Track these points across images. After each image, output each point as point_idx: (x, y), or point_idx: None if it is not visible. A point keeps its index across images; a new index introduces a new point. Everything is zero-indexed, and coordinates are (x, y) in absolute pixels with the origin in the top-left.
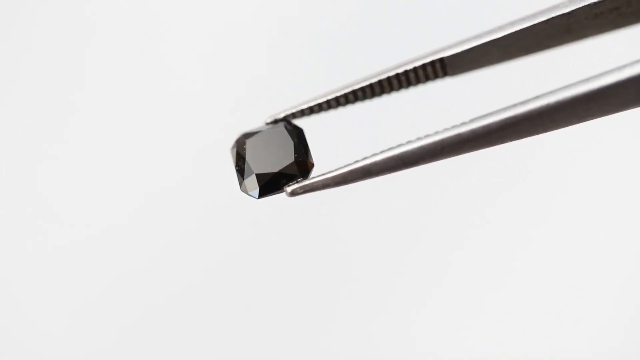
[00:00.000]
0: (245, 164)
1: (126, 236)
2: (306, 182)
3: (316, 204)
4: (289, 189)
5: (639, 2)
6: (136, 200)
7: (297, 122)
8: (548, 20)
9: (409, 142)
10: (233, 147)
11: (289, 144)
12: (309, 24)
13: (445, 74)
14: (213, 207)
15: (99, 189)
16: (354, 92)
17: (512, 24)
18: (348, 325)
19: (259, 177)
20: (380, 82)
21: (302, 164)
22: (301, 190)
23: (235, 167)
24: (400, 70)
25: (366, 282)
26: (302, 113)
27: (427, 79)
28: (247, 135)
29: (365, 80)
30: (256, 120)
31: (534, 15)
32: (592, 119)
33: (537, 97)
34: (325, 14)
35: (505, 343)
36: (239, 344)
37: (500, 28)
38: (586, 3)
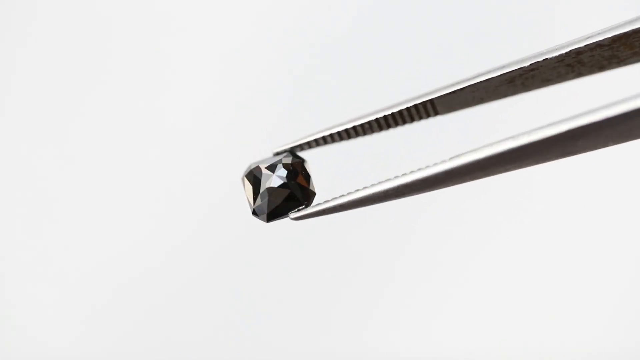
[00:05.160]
0: (257, 192)
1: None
2: (308, 209)
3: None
4: (292, 215)
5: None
6: (150, 230)
7: (301, 154)
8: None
9: (395, 177)
10: (245, 176)
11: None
12: (317, 59)
13: (436, 113)
14: (221, 227)
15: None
16: (354, 127)
17: (502, 67)
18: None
19: (269, 203)
20: (377, 119)
21: (305, 192)
22: (303, 216)
23: (246, 194)
24: (395, 110)
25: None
26: (309, 145)
27: (420, 117)
28: (258, 165)
29: (362, 117)
30: (264, 150)
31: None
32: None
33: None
34: (333, 50)
35: (506, 342)
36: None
37: (486, 72)
38: (555, 54)
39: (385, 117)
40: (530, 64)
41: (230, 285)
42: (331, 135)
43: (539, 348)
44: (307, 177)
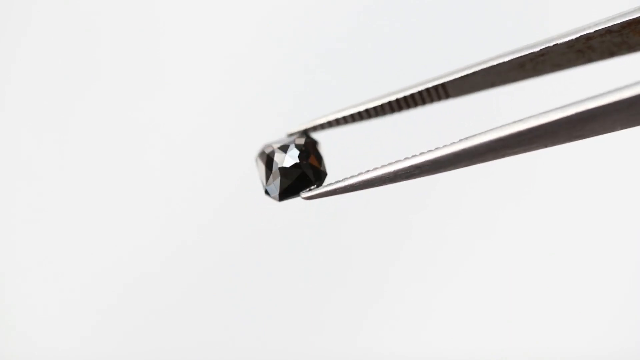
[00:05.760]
0: (270, 171)
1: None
2: (319, 189)
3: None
4: (304, 194)
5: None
6: (158, 208)
7: (314, 135)
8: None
9: (406, 158)
10: (258, 156)
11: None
12: (329, 44)
13: (447, 96)
14: (229, 210)
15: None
16: (367, 110)
17: (509, 53)
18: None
19: (282, 182)
20: (389, 102)
21: (316, 172)
22: (314, 195)
23: (259, 173)
24: (407, 93)
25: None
26: (322, 127)
27: (432, 100)
28: (271, 146)
29: (375, 99)
30: (277, 132)
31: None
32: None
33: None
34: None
35: (502, 343)
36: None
37: (496, 57)
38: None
39: (397, 100)
40: (541, 49)
41: (225, 285)
42: (344, 117)
43: (535, 348)
44: (319, 157)
